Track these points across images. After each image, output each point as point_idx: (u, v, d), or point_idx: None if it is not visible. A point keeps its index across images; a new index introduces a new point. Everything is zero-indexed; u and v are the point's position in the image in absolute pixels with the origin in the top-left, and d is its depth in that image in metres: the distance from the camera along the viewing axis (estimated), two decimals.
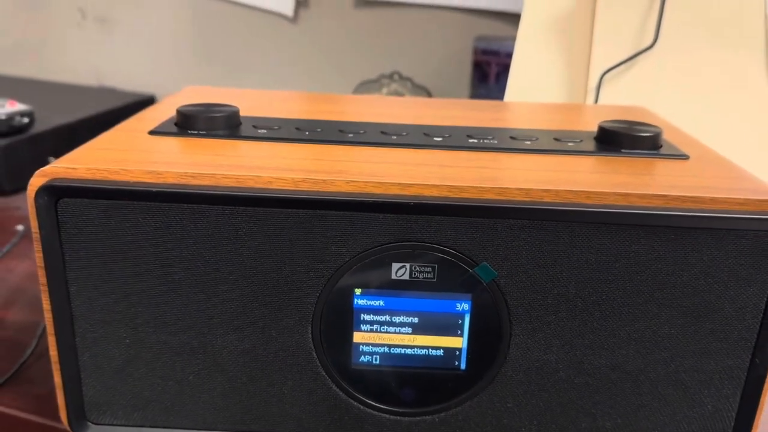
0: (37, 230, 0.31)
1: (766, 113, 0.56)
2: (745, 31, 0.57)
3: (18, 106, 0.74)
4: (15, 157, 0.72)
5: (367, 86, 0.84)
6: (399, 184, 0.30)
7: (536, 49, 0.62)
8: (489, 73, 0.85)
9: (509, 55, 0.62)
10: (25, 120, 0.74)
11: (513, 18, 0.62)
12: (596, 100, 0.58)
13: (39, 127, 0.76)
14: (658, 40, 0.57)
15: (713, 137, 0.44)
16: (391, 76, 0.84)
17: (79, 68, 1.10)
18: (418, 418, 0.34)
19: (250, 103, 0.44)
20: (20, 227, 0.63)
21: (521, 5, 0.62)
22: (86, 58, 1.09)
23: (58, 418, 0.35)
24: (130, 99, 0.95)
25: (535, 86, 0.62)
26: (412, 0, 0.87)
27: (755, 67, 0.56)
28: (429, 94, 0.87)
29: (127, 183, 0.30)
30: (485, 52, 0.84)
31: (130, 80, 1.07)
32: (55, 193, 0.30)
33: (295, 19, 0.94)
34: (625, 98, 0.58)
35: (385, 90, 0.84)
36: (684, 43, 0.57)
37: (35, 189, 0.30)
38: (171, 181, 0.30)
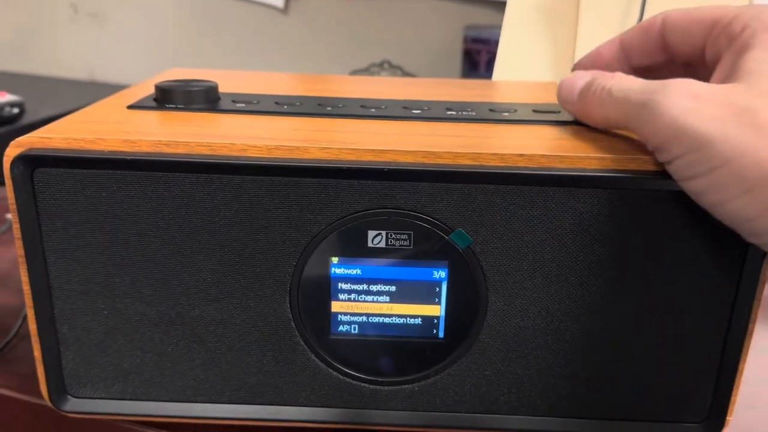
0: (14, 201, 0.31)
1: None
2: None
3: (8, 97, 0.75)
4: (4, 148, 0.72)
5: (357, 74, 0.85)
6: (373, 150, 0.30)
7: (522, 32, 0.62)
8: (479, 61, 0.85)
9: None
10: (15, 110, 0.74)
11: (502, 6, 0.62)
12: None
13: (29, 117, 0.77)
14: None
15: None
16: (381, 65, 0.85)
17: (71, 63, 1.10)
18: (397, 387, 0.34)
19: (232, 82, 0.44)
20: (10, 216, 0.63)
21: None
22: (79, 53, 1.10)
23: (41, 396, 0.35)
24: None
25: (521, 68, 0.62)
26: None
27: None
28: None
29: (102, 152, 0.30)
30: (475, 40, 0.84)
31: (122, 75, 1.07)
32: (31, 162, 0.30)
33: (286, 10, 0.94)
34: None
35: None
36: None
37: (11, 159, 0.30)
38: (145, 149, 0.30)
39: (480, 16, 0.87)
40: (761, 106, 0.25)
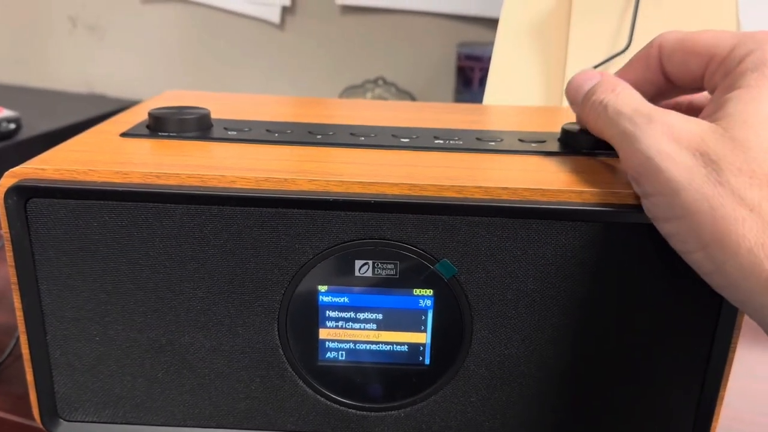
0: (7, 230, 0.32)
1: None
2: None
3: (5, 112, 0.75)
4: (1, 163, 0.73)
5: (351, 91, 0.85)
6: (360, 182, 0.31)
7: (514, 53, 0.63)
8: (472, 78, 0.86)
9: None
10: (12, 126, 0.75)
11: (495, 24, 0.63)
12: None
13: (26, 133, 0.77)
14: (632, 44, 0.58)
15: None
16: (375, 82, 0.85)
17: (69, 76, 1.11)
18: (384, 413, 0.34)
19: (225, 107, 0.44)
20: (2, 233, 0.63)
21: None
22: (77, 67, 1.10)
23: (34, 418, 0.36)
24: (118, 105, 0.96)
25: (513, 89, 0.63)
26: (396, 6, 0.89)
27: None
28: (413, 99, 0.88)
29: (95, 183, 0.31)
30: (468, 57, 0.85)
31: (120, 88, 1.08)
32: (24, 193, 0.31)
33: (281, 25, 0.95)
34: None
35: (369, 95, 0.84)
36: None
37: (4, 189, 0.31)
38: (137, 180, 0.31)
39: (473, 33, 0.87)
40: (728, 162, 0.26)
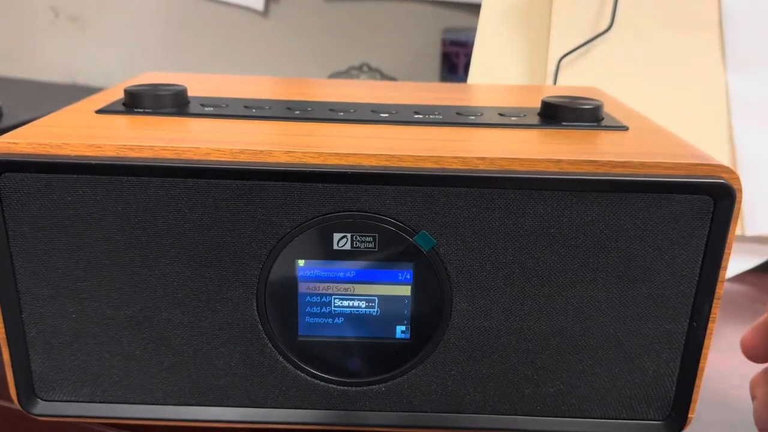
0: None
1: (718, 95, 0.57)
2: (698, 15, 0.58)
3: None
4: None
5: (336, 78, 0.85)
6: (337, 154, 0.31)
7: (497, 35, 0.63)
8: (458, 64, 0.85)
9: None
10: None
11: (479, 9, 0.63)
12: (555, 84, 0.59)
13: (7, 121, 0.76)
14: (614, 24, 0.57)
15: (666, 118, 0.45)
16: (360, 68, 0.85)
17: (52, 67, 1.10)
18: (365, 388, 0.34)
19: (203, 85, 0.44)
20: None
21: None
22: (60, 57, 1.09)
23: (11, 399, 0.35)
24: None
25: (496, 72, 0.62)
26: None
27: (709, 50, 0.57)
28: None
29: (68, 157, 0.30)
30: (453, 43, 0.85)
31: (103, 78, 1.07)
32: None
33: (265, 13, 0.94)
34: (582, 81, 0.58)
35: None
36: (639, 26, 0.58)
37: None
38: (110, 154, 0.30)
39: (458, 18, 0.87)
40: None
